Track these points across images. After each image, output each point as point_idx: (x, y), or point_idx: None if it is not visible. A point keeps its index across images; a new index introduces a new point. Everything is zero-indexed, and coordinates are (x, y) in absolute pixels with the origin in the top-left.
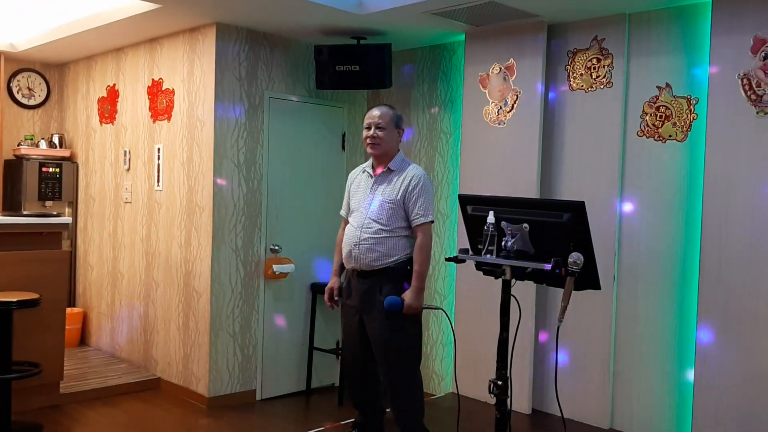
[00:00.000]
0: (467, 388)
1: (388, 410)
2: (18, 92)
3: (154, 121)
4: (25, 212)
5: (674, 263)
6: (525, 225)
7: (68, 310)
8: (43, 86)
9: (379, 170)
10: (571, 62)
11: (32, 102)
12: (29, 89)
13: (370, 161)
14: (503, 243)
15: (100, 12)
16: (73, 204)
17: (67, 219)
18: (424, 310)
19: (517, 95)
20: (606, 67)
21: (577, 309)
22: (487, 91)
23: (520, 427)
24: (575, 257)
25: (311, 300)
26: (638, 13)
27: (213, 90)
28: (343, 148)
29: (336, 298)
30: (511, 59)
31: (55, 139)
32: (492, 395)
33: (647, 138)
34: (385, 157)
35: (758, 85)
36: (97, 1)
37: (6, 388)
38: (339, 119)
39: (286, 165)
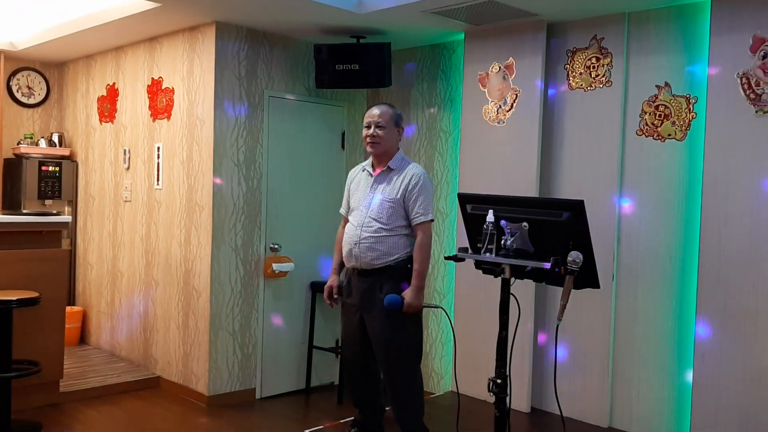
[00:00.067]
0: (466, 386)
1: (387, 408)
2: (18, 91)
3: (153, 120)
4: (24, 211)
5: (673, 262)
6: (524, 224)
7: (68, 308)
8: (43, 85)
9: (379, 169)
10: (571, 61)
11: (32, 101)
12: (29, 88)
13: (369, 160)
14: (502, 242)
15: (100, 11)
16: (73, 203)
17: (66, 218)
18: (424, 309)
19: (516, 94)
20: (605, 66)
21: (577, 308)
22: (486, 90)
23: (520, 426)
24: (574, 256)
25: (311, 299)
26: (637, 12)
27: (213, 89)
28: (343, 147)
29: (335, 297)
30: (511, 58)
31: (55, 138)
32: (491, 394)
33: (646, 137)
34: (385, 156)
35: (757, 84)
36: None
37: (6, 386)
38: (339, 118)
39: (285, 164)
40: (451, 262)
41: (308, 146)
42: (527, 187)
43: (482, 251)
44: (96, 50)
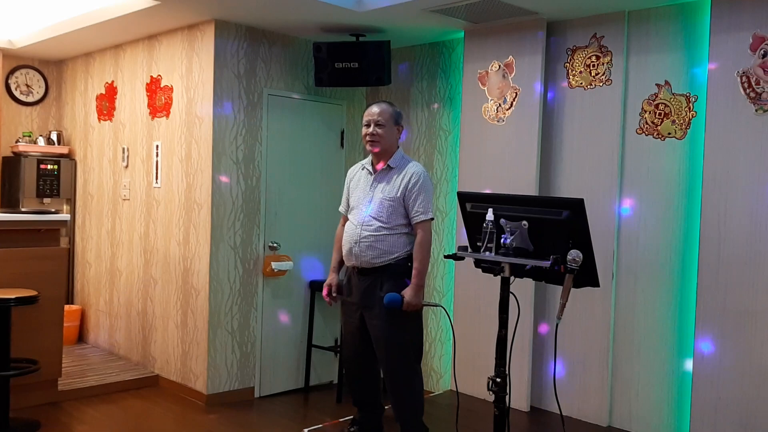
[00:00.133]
0: (466, 385)
1: (387, 407)
2: (16, 89)
3: (152, 118)
4: (23, 209)
5: (673, 261)
6: (524, 222)
7: (66, 307)
8: (42, 83)
9: (378, 167)
10: (570, 60)
11: (30, 99)
12: (27, 86)
13: (369, 158)
14: (502, 240)
15: (99, 9)
16: (72, 201)
17: (65, 216)
18: (423, 308)
19: (516, 93)
20: (605, 64)
21: (576, 306)
22: (486, 88)
23: (519, 425)
24: (574, 254)
25: (310, 297)
26: (637, 10)
27: (212, 87)
28: (342, 145)
29: (334, 295)
30: (511, 57)
31: (54, 136)
32: (491, 392)
33: (646, 135)
34: (384, 155)
35: (757, 83)
36: None
37: (4, 385)
38: (338, 116)
39: (284, 162)
40: (451, 260)
41: (307, 144)
42: (527, 186)
43: (482, 250)
44: (95, 48)
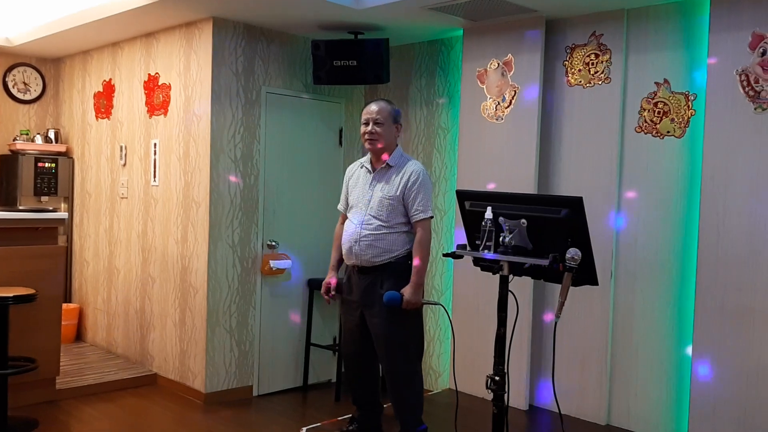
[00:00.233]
0: (464, 383)
1: (386, 406)
2: (13, 87)
3: (150, 116)
4: (20, 207)
5: (672, 259)
6: (523, 221)
7: (64, 305)
8: (39, 81)
9: (377, 166)
10: (569, 58)
11: (28, 97)
12: (25, 84)
13: (368, 156)
14: (501, 239)
15: (96, 6)
16: (69, 199)
17: (63, 214)
18: (423, 306)
19: (515, 91)
20: (604, 62)
21: (575, 305)
22: (485, 86)
23: (518, 423)
24: (573, 253)
25: (308, 296)
26: (636, 8)
27: (209, 85)
28: (341, 143)
29: (333, 293)
30: (509, 55)
31: (51, 134)
32: (489, 391)
33: (645, 134)
34: (383, 153)
35: (756, 81)
36: None
37: (2, 383)
38: (336, 114)
39: (283, 160)
40: (450, 259)
41: (306, 143)
42: (526, 184)
43: (481, 248)
44: (92, 46)
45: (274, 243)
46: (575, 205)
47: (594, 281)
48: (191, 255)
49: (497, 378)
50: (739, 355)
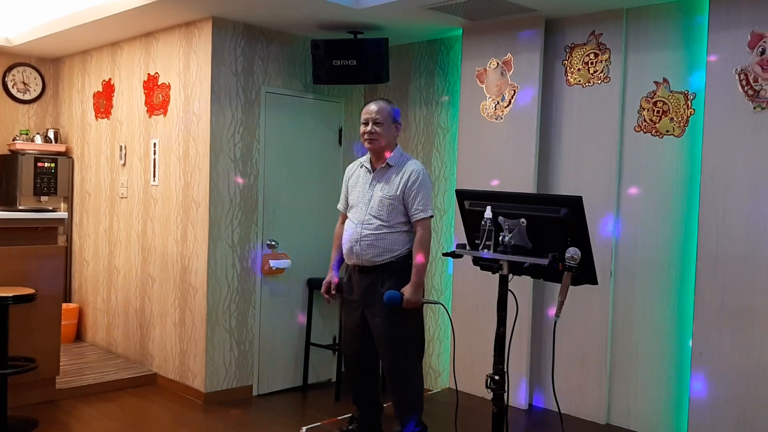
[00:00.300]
0: (464, 383)
1: (386, 405)
2: (13, 87)
3: (149, 116)
4: (20, 207)
5: (671, 258)
6: (522, 220)
7: (64, 305)
8: (38, 81)
9: (377, 166)
10: (569, 57)
11: (27, 97)
12: (24, 84)
13: (367, 156)
14: (500, 238)
15: (96, 6)
16: (69, 199)
17: (62, 214)
18: (423, 305)
19: (514, 90)
20: (603, 62)
21: (574, 304)
22: (484, 86)
23: (517, 422)
24: (572, 252)
25: (308, 295)
26: (636, 8)
27: (209, 85)
28: (340, 143)
29: (333, 292)
30: (509, 54)
31: (51, 134)
32: (489, 390)
33: (644, 133)
34: (383, 153)
35: (755, 80)
36: None
37: (2, 383)
38: (336, 114)
39: (282, 160)
40: (449, 258)
41: (305, 142)
42: (525, 184)
43: (480, 247)
44: (92, 46)
45: (273, 243)
46: (575, 204)
47: (593, 280)
48: (191, 255)
49: (497, 377)
50: (738, 355)
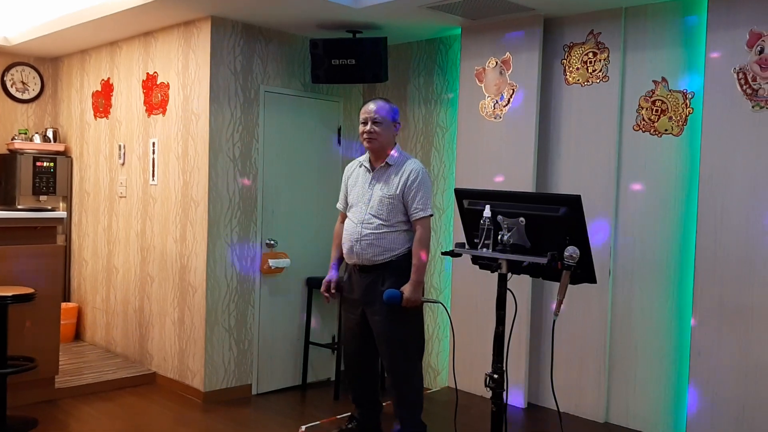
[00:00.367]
0: (463, 382)
1: (385, 404)
2: (12, 86)
3: (148, 115)
4: (19, 207)
5: (670, 257)
6: (521, 219)
7: (63, 304)
8: (37, 80)
9: (377, 165)
10: (568, 56)
11: (26, 96)
12: (23, 83)
13: (366, 155)
14: (499, 237)
15: (95, 5)
16: (68, 198)
17: (61, 213)
18: (423, 304)
19: (513, 89)
20: (602, 61)
21: (573, 303)
22: (483, 85)
23: (516, 421)
24: (571, 251)
25: (307, 294)
26: (634, 6)
27: (208, 84)
28: (339, 142)
29: (333, 291)
30: (508, 53)
31: (50, 134)
32: (488, 389)
33: (643, 132)
34: (382, 152)
35: (754, 79)
36: None
37: (1, 383)
38: (335, 113)
39: (281, 159)
40: (448, 257)
41: (304, 141)
42: (524, 183)
43: (479, 246)
44: (90, 45)
45: (272, 242)
46: (573, 203)
47: (592, 279)
48: (190, 254)
49: (496, 376)
50: (737, 352)
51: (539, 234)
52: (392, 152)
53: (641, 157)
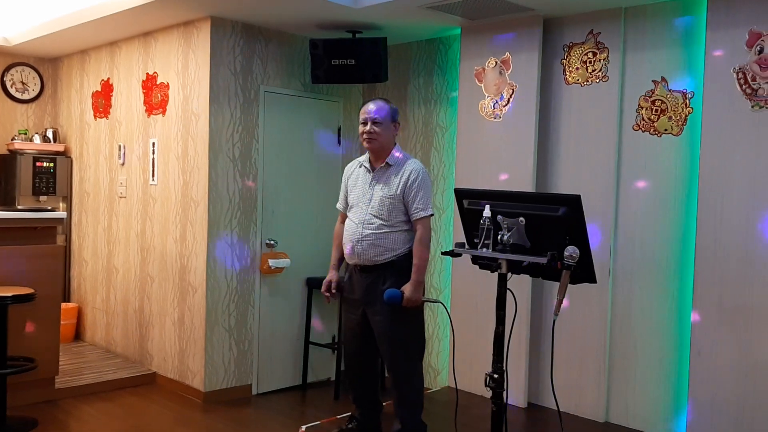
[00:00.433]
0: (463, 381)
1: (385, 404)
2: (12, 86)
3: (148, 116)
4: (19, 207)
5: (670, 256)
6: (521, 219)
7: (63, 305)
8: (37, 80)
9: (377, 165)
10: (567, 56)
11: (26, 96)
12: (23, 83)
13: (366, 155)
14: (499, 237)
15: (94, 5)
16: (68, 199)
17: (61, 214)
18: (423, 303)
19: (512, 89)
20: (602, 61)
21: (573, 302)
22: (483, 85)
23: (516, 421)
24: (571, 251)
25: (307, 294)
26: (634, 6)
27: (208, 84)
28: (339, 142)
29: (333, 291)
30: (507, 53)
31: (49, 134)
32: (488, 389)
33: (643, 132)
34: (382, 152)
35: (753, 79)
36: None
37: (1, 383)
38: (334, 113)
39: (281, 159)
40: (448, 257)
41: (304, 141)
42: (524, 182)
43: (479, 246)
44: (90, 45)
45: (272, 242)
46: (573, 203)
47: (592, 279)
48: (190, 254)
49: (496, 376)
50: (737, 352)
51: (539, 234)
52: (392, 152)
53: (641, 156)
